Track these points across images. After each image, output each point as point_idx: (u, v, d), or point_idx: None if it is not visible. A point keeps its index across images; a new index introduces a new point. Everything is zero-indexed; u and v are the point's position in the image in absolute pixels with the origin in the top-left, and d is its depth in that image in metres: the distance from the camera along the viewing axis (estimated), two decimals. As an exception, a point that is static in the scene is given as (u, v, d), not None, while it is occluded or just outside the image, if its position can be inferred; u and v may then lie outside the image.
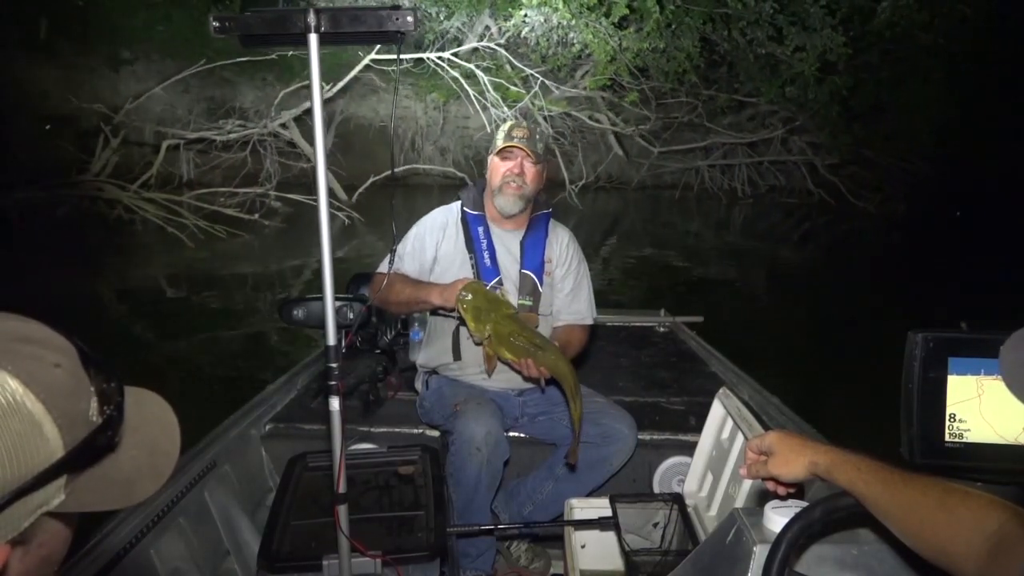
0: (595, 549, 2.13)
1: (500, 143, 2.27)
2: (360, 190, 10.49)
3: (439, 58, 9.94)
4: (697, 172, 14.51)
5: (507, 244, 2.35)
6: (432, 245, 2.34)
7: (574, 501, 2.17)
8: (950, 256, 9.67)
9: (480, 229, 2.33)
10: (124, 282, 7.75)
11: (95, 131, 9.80)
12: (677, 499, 1.97)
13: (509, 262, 2.33)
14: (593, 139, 13.45)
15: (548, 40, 10.94)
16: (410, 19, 1.36)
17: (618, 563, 2.07)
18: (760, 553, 1.02)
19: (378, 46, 9.66)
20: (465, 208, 2.37)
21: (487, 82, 10.01)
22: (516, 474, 2.39)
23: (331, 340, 1.49)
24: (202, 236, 8.48)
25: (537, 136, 2.29)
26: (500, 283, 2.28)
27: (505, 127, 2.31)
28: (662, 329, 3.78)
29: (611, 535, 1.99)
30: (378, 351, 2.73)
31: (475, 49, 10.62)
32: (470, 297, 2.08)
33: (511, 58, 10.52)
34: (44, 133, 9.49)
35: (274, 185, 10.00)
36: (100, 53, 10.92)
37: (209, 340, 6.00)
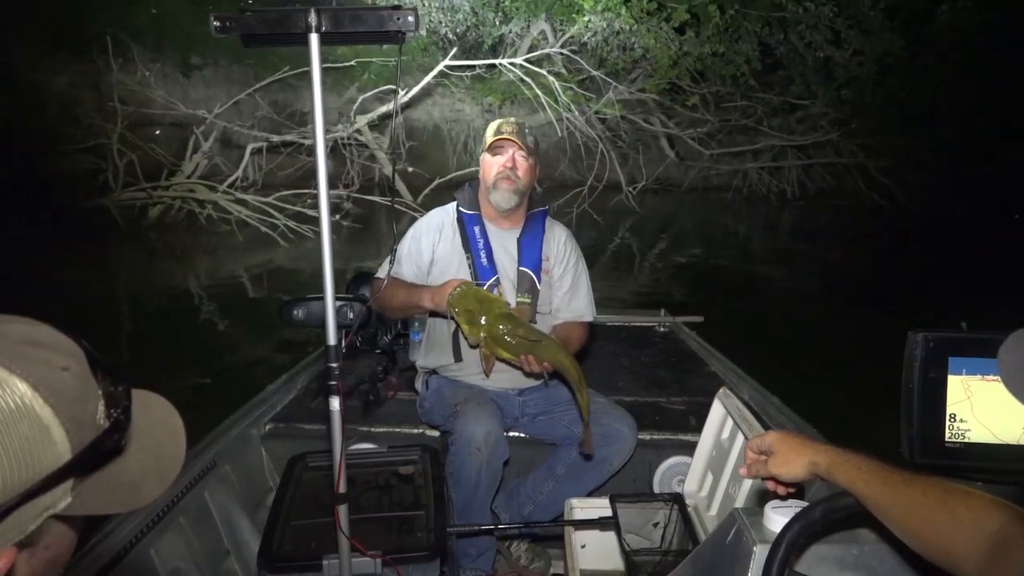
0: (595, 549, 2.13)
1: (490, 139, 2.28)
2: (426, 191, 10.63)
3: (511, 64, 10.03)
4: (746, 175, 14.46)
5: (504, 243, 2.34)
6: (428, 246, 2.34)
7: (574, 501, 2.17)
8: (1005, 259, 9.52)
9: (476, 228, 2.33)
10: (213, 279, 8.03)
11: (187, 134, 10.11)
12: (677, 499, 1.97)
13: (507, 261, 2.33)
14: (645, 141, 13.46)
15: (609, 44, 11.09)
16: (411, 19, 1.36)
17: (618, 563, 2.07)
18: (760, 553, 1.02)
19: (453, 50, 9.83)
20: (461, 208, 2.36)
21: (558, 87, 10.12)
22: (516, 474, 2.39)
23: (331, 340, 1.49)
24: (291, 236, 8.72)
25: (527, 131, 2.29)
26: (497, 282, 2.28)
27: (494, 125, 2.31)
28: (662, 329, 3.78)
29: (611, 535, 1.99)
30: (378, 351, 2.74)
31: (546, 55, 10.74)
32: (460, 300, 2.06)
33: (582, 62, 10.67)
34: (149, 137, 9.93)
35: (357, 187, 10.20)
36: (173, 59, 11.15)
37: (285, 334, 6.12)
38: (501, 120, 2.32)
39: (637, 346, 3.47)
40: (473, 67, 10.79)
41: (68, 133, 10.27)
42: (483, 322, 2.03)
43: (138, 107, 9.50)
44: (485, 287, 2.24)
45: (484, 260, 2.29)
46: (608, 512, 1.92)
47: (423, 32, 11.23)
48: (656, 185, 13.25)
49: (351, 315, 2.30)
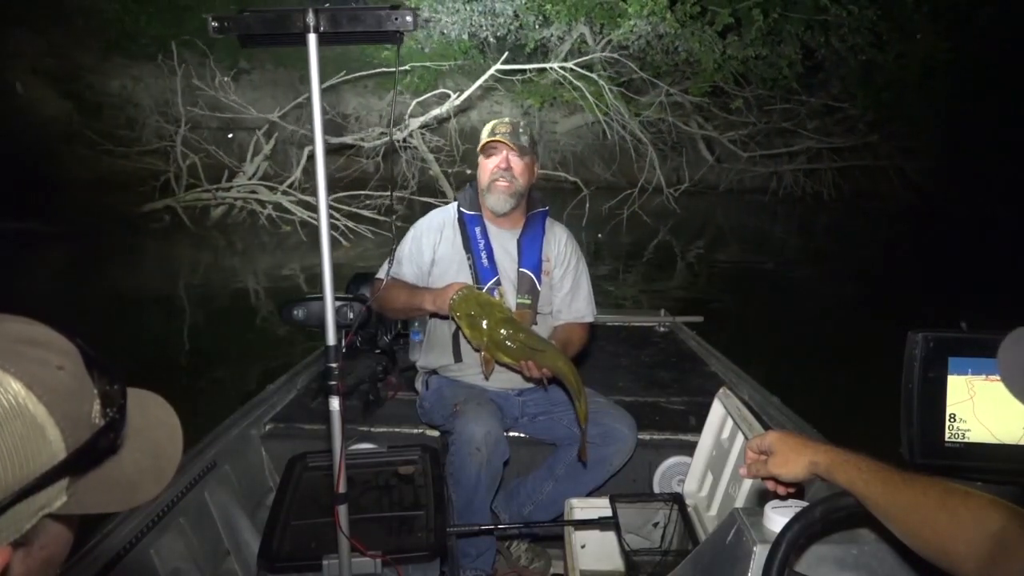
0: (595, 549, 2.13)
1: (484, 140, 2.27)
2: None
3: (562, 67, 10.05)
4: (781, 177, 14.42)
5: (504, 243, 2.34)
6: (429, 247, 2.34)
7: (574, 501, 2.16)
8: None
9: (477, 229, 2.32)
10: (272, 280, 8.20)
11: (243, 137, 10.38)
12: (677, 499, 1.97)
13: (507, 262, 2.33)
14: (683, 143, 13.46)
15: (653, 47, 11.20)
16: (409, 19, 1.36)
17: (618, 563, 2.07)
18: (760, 553, 1.02)
19: (505, 54, 9.86)
20: (462, 208, 2.36)
21: (609, 90, 10.20)
22: (516, 474, 2.39)
23: (331, 340, 1.49)
24: (352, 236, 8.84)
25: (521, 130, 2.28)
26: (498, 283, 2.28)
27: (489, 126, 2.30)
28: (662, 329, 3.78)
29: (611, 535, 1.99)
30: (378, 351, 2.73)
31: (595, 58, 10.78)
32: (461, 304, 2.07)
33: (632, 65, 10.75)
34: (209, 140, 10.22)
35: (413, 189, 10.30)
36: (224, 63, 11.35)
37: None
38: (496, 121, 2.31)
39: (637, 346, 3.47)
40: (523, 71, 10.87)
41: (131, 135, 10.84)
42: (484, 326, 2.04)
43: (211, 111, 9.70)
44: (485, 288, 2.24)
45: (485, 261, 2.29)
46: (608, 512, 1.92)
47: (463, 33, 11.33)
48: (691, 187, 13.28)
49: (351, 315, 2.31)
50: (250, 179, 9.75)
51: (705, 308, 7.13)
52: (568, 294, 2.40)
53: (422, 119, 9.90)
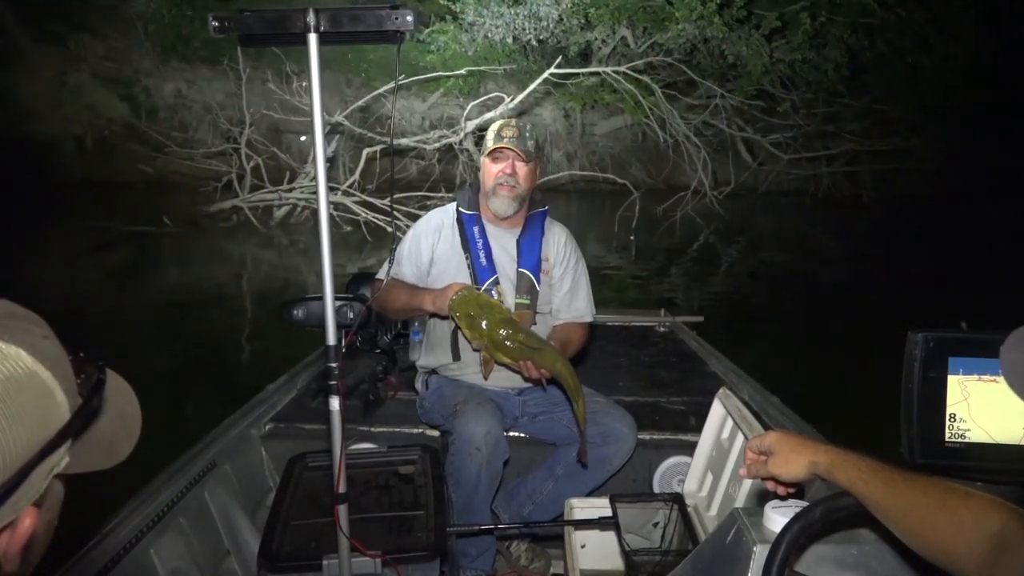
0: (595, 549, 2.13)
1: (490, 144, 2.27)
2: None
3: (615, 71, 10.10)
4: (820, 179, 14.38)
5: (503, 243, 2.35)
6: (428, 247, 2.34)
7: (574, 501, 2.17)
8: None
9: (475, 229, 2.33)
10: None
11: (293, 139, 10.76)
12: (677, 499, 1.97)
13: (506, 261, 2.33)
14: (724, 146, 13.48)
15: (699, 51, 11.32)
16: (409, 18, 1.36)
17: (618, 563, 2.07)
18: (760, 553, 1.02)
19: (559, 59, 9.91)
20: (460, 208, 2.37)
21: (661, 94, 10.32)
22: (516, 474, 2.39)
23: (331, 340, 1.49)
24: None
25: (527, 134, 2.28)
26: (496, 282, 2.28)
27: (495, 127, 2.29)
28: (662, 329, 3.78)
29: (611, 535, 1.99)
30: (378, 351, 2.74)
31: (647, 61, 10.87)
32: (461, 305, 2.08)
33: (687, 69, 10.91)
34: (273, 141, 10.60)
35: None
36: (272, 68, 11.57)
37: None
38: (502, 123, 2.30)
39: (637, 346, 3.47)
40: (576, 75, 10.96)
41: (194, 137, 11.38)
42: (483, 326, 2.05)
43: (286, 113, 9.81)
44: (483, 287, 2.24)
45: (483, 260, 2.30)
46: (608, 512, 1.92)
47: (507, 37, 11.40)
48: (732, 189, 13.25)
49: (351, 315, 2.31)
50: (312, 180, 9.83)
51: (744, 309, 7.15)
52: (567, 293, 2.40)
53: (476, 121, 9.93)
